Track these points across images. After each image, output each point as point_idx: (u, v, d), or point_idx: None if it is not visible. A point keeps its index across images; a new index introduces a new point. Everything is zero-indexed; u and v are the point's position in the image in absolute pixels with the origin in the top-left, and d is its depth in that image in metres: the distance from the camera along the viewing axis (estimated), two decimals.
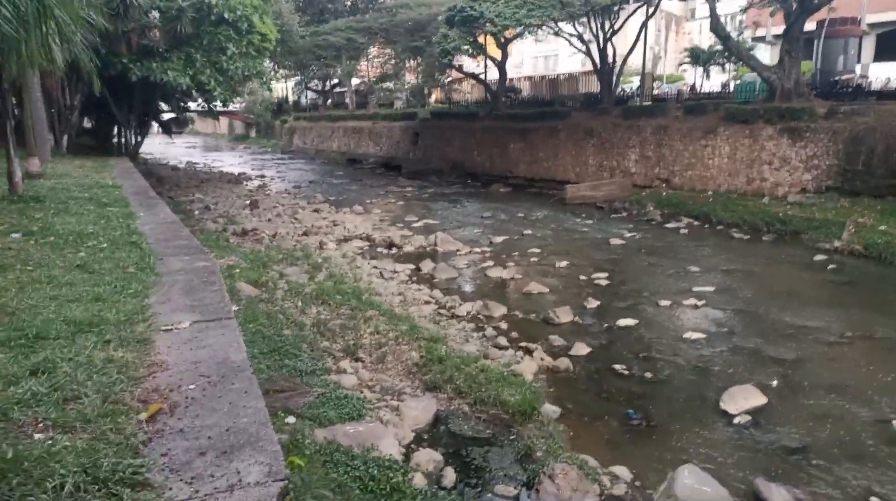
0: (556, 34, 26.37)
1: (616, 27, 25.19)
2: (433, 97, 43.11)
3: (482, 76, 32.54)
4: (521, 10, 20.57)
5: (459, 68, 31.42)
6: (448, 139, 33.26)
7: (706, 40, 48.78)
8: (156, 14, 14.90)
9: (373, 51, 40.76)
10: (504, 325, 9.52)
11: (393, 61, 34.68)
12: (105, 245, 7.11)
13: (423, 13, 27.95)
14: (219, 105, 22.42)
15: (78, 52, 7.30)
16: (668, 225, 17.56)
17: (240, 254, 12.92)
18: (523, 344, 8.64)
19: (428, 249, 15.15)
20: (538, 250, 14.66)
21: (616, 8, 24.03)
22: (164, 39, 14.97)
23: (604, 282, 11.88)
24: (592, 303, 10.48)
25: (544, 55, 62.25)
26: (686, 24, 62.52)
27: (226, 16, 15.03)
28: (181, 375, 3.55)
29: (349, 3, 46.69)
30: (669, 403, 7.03)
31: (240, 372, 3.58)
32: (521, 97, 34.28)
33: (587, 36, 25.71)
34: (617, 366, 7.90)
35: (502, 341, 8.76)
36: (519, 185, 27.51)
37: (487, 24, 21.16)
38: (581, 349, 8.41)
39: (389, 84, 41.87)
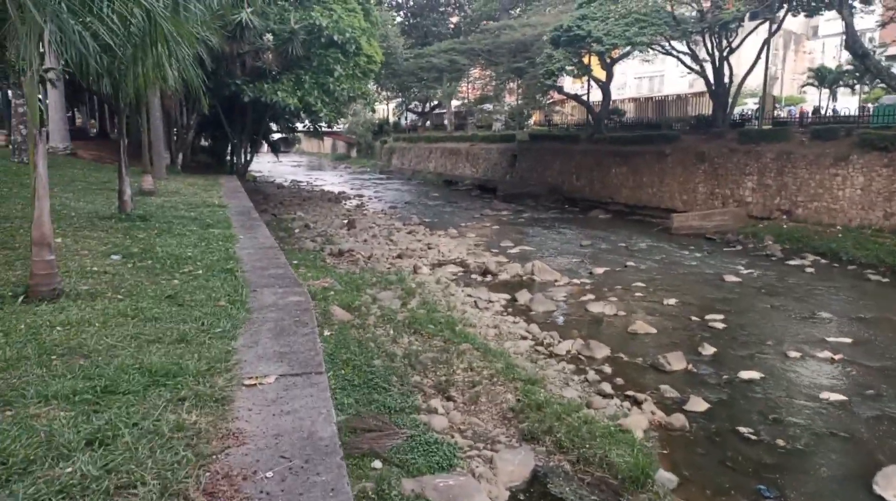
0: (667, 53, 25.09)
1: (734, 45, 23.61)
2: (532, 120, 42.59)
3: (584, 98, 31.67)
4: (631, 29, 19.67)
5: (560, 90, 30.71)
6: (546, 162, 32.55)
7: (829, 60, 45.24)
8: (269, 37, 15.44)
9: (474, 73, 40.91)
10: (607, 368, 8.73)
11: (494, 83, 34.48)
12: (200, 272, 7.02)
13: (528, 34, 27.61)
14: (323, 126, 23.01)
15: (187, 72, 7.32)
16: (791, 262, 15.94)
17: (335, 276, 12.91)
18: (630, 393, 7.82)
19: (524, 277, 14.53)
20: (643, 285, 13.66)
21: (734, 26, 22.54)
22: (275, 62, 15.50)
23: (719, 325, 10.76)
24: (708, 349, 9.44)
25: (649, 76, 60.18)
26: (807, 42, 58.49)
27: (335, 38, 15.34)
28: (259, 453, 3.06)
29: (452, 27, 47.32)
30: (809, 479, 6.00)
31: (327, 456, 2.99)
32: (624, 119, 33.04)
33: (701, 55, 24.29)
34: (742, 428, 6.92)
35: (606, 387, 7.98)
36: (620, 212, 26.31)
37: (595, 44, 20.40)
38: (698, 403, 7.48)
39: (489, 106, 41.76)
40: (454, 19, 48.69)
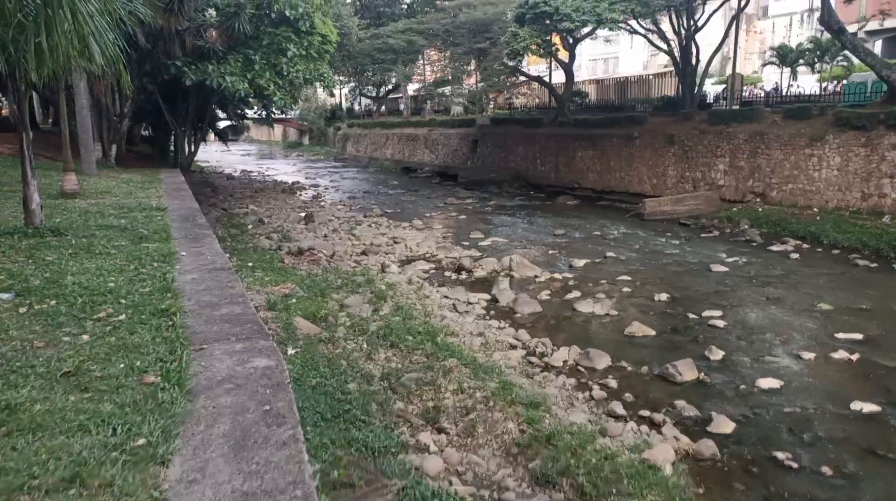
0: (633, 32, 24.29)
1: (699, 24, 22.98)
2: (492, 103, 41.52)
3: (546, 79, 30.73)
4: (601, 4, 18.71)
5: (523, 72, 29.69)
6: (509, 147, 31.57)
7: (779, 39, 45.66)
8: (212, 12, 13.77)
9: (431, 55, 39.49)
10: (612, 382, 7.78)
11: (452, 65, 33.21)
12: (123, 317, 4.98)
13: (489, 12, 26.40)
14: (276, 112, 21.33)
15: (104, 45, 5.82)
16: (773, 248, 15.38)
17: (296, 279, 11.62)
18: (645, 414, 6.88)
19: (502, 273, 13.50)
20: (628, 278, 12.81)
21: (698, 2, 21.87)
22: (220, 40, 13.82)
23: (719, 322, 9.96)
24: (716, 353, 8.59)
25: (604, 57, 59.91)
26: (757, 22, 59.15)
27: (288, 13, 13.75)
28: None
29: (405, 7, 45.64)
30: None
31: None
32: (587, 101, 32.33)
33: (668, 34, 23.59)
34: (779, 454, 6.05)
35: (617, 407, 7.01)
36: (588, 197, 25.57)
37: (563, 21, 19.38)
38: (723, 424, 6.59)
39: (447, 89, 40.48)
40: (408, 0, 47.01)
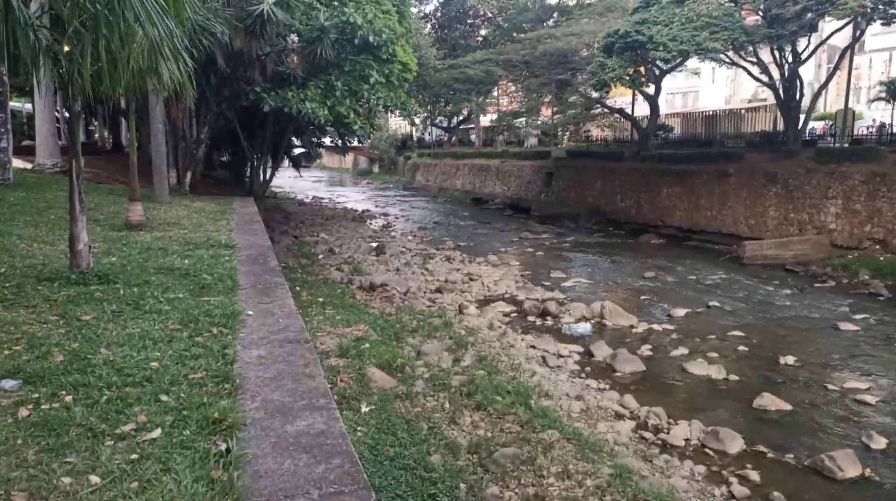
0: (733, 64, 22.67)
1: (804, 55, 21.19)
2: (566, 136, 40.32)
3: (628, 112, 29.34)
4: (701, 34, 17.33)
5: (605, 104, 28.43)
6: (586, 181, 30.19)
7: (876, 75, 42.57)
8: (294, 38, 13.32)
9: (507, 86, 38.82)
10: (753, 473, 6.32)
11: (528, 96, 32.32)
12: (157, 434, 3.29)
13: (572, 43, 25.45)
14: (353, 141, 20.85)
15: (179, 64, 5.08)
16: None
17: (368, 318, 10.69)
18: None
19: (592, 321, 12.17)
20: (741, 334, 11.20)
21: (803, 34, 20.13)
22: (301, 65, 13.32)
23: (868, 397, 8.28)
24: (878, 441, 6.98)
25: (682, 91, 57.69)
26: (854, 58, 55.81)
27: (371, 39, 13.13)
28: None
29: (480, 39, 45.42)
30: None
31: None
32: (671, 136, 30.65)
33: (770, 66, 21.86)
34: None
35: None
36: (674, 236, 23.82)
37: (659, 50, 18.12)
38: None
39: (521, 121, 39.60)
40: (483, 32, 46.81)
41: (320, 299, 11.78)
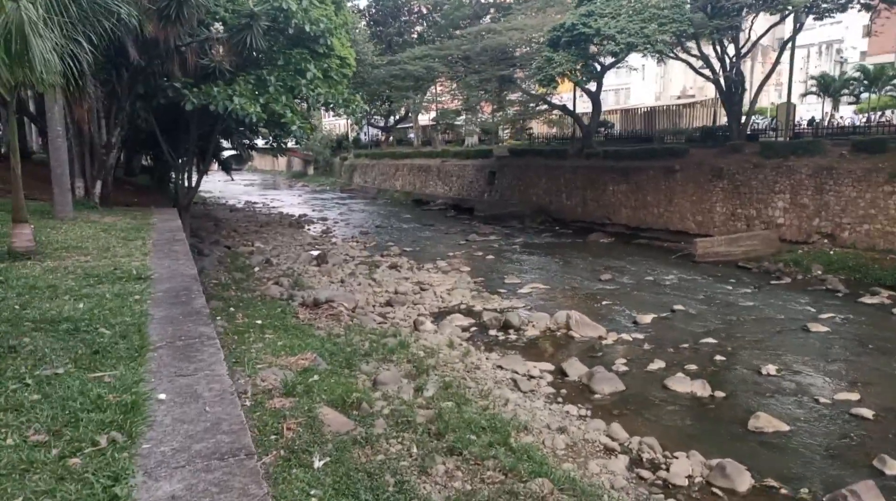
0: (675, 57, 22.48)
1: (745, 49, 21.21)
2: (507, 134, 39.76)
3: (570, 108, 28.93)
4: (650, 25, 16.86)
5: (547, 100, 27.90)
6: (530, 180, 29.65)
7: (796, 71, 44.24)
8: (219, 27, 11.77)
9: (444, 83, 37.85)
10: None
11: (468, 93, 31.47)
12: None
13: (514, 37, 24.71)
14: (289, 142, 19.27)
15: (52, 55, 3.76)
16: (865, 300, 13.20)
17: (315, 343, 9.46)
18: None
19: (558, 333, 11.34)
20: (713, 341, 10.63)
21: (747, 27, 20.12)
22: (228, 58, 11.76)
23: (864, 411, 7.74)
24: (891, 465, 6.38)
25: (614, 88, 58.49)
26: (773, 53, 58.15)
27: (307, 29, 11.70)
28: None
29: (416, 36, 44.30)
30: None
31: None
32: (613, 133, 30.53)
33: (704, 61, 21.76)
34: None
35: None
36: (621, 234, 23.50)
37: (607, 43, 17.54)
38: None
39: (462, 119, 38.71)
40: (418, 28, 45.69)
41: (258, 322, 10.44)
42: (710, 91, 48.12)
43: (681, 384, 8.63)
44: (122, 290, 5.51)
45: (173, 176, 20.43)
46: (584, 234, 24.17)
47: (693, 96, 47.32)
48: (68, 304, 5.14)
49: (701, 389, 8.45)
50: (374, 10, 44.07)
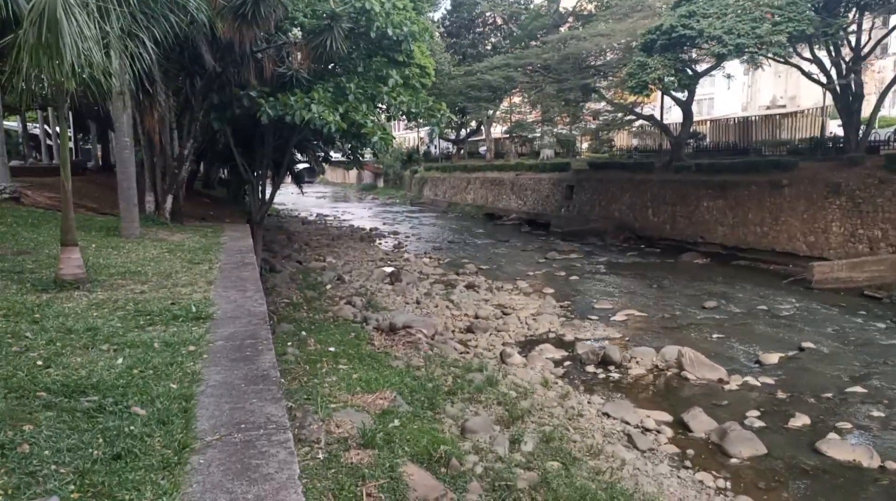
0: (786, 62, 20.40)
1: (864, 52, 18.97)
2: (584, 147, 38.09)
3: (658, 118, 27.09)
4: (762, 25, 15.09)
5: (634, 111, 26.22)
6: (612, 194, 27.94)
7: None
8: (296, 31, 11.03)
9: (519, 95, 36.65)
10: None
11: (549, 103, 30.09)
12: None
13: (601, 44, 23.26)
14: (366, 155, 18.47)
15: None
16: None
17: (393, 378, 8.38)
18: None
19: (668, 372, 9.84)
20: (861, 390, 8.87)
21: (875, 27, 17.92)
22: (306, 64, 10.96)
23: None
24: None
25: (697, 99, 55.53)
26: (876, 62, 53.85)
27: (389, 32, 10.77)
28: None
29: (490, 48, 43.39)
30: None
31: None
32: (704, 145, 28.44)
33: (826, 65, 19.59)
34: None
35: None
36: (716, 254, 21.49)
37: (713, 45, 15.89)
38: None
39: (537, 131, 37.33)
40: (493, 40, 44.76)
41: (331, 349, 9.51)
42: (803, 101, 44.76)
43: (838, 449, 7.01)
44: (176, 336, 4.42)
45: (248, 189, 20.13)
46: (674, 253, 22.28)
47: (784, 106, 44.05)
48: (104, 359, 4.11)
49: (866, 457, 6.81)
50: (448, 23, 43.49)
